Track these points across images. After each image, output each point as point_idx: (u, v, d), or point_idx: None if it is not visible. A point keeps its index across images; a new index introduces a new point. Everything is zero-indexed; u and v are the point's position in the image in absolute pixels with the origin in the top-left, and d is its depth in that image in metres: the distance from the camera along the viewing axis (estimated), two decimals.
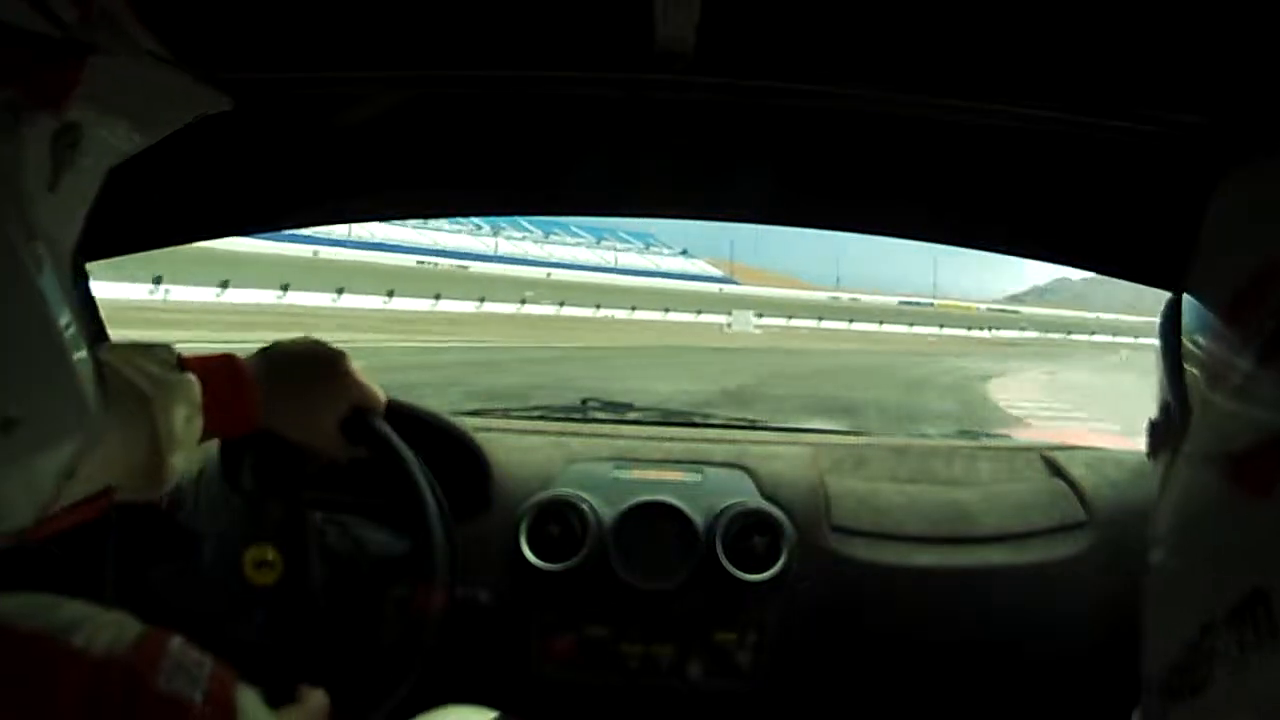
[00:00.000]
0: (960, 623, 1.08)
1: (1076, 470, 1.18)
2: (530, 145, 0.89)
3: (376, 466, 0.80)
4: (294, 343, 0.75)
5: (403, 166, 0.93)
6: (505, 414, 1.39)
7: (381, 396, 0.79)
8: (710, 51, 0.63)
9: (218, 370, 0.67)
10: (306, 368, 0.74)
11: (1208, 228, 0.49)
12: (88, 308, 1.01)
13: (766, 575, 1.03)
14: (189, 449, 0.62)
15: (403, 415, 0.88)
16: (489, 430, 1.17)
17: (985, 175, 0.86)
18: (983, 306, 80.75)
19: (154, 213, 0.93)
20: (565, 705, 1.05)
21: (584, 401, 1.46)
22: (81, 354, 0.44)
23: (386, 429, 0.80)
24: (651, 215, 1.13)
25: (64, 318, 0.42)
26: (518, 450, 1.14)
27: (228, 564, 0.80)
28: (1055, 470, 1.20)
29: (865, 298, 69.22)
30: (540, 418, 1.36)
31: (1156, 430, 0.50)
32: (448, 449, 1.04)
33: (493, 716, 0.85)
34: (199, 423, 0.63)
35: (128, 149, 0.49)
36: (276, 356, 0.73)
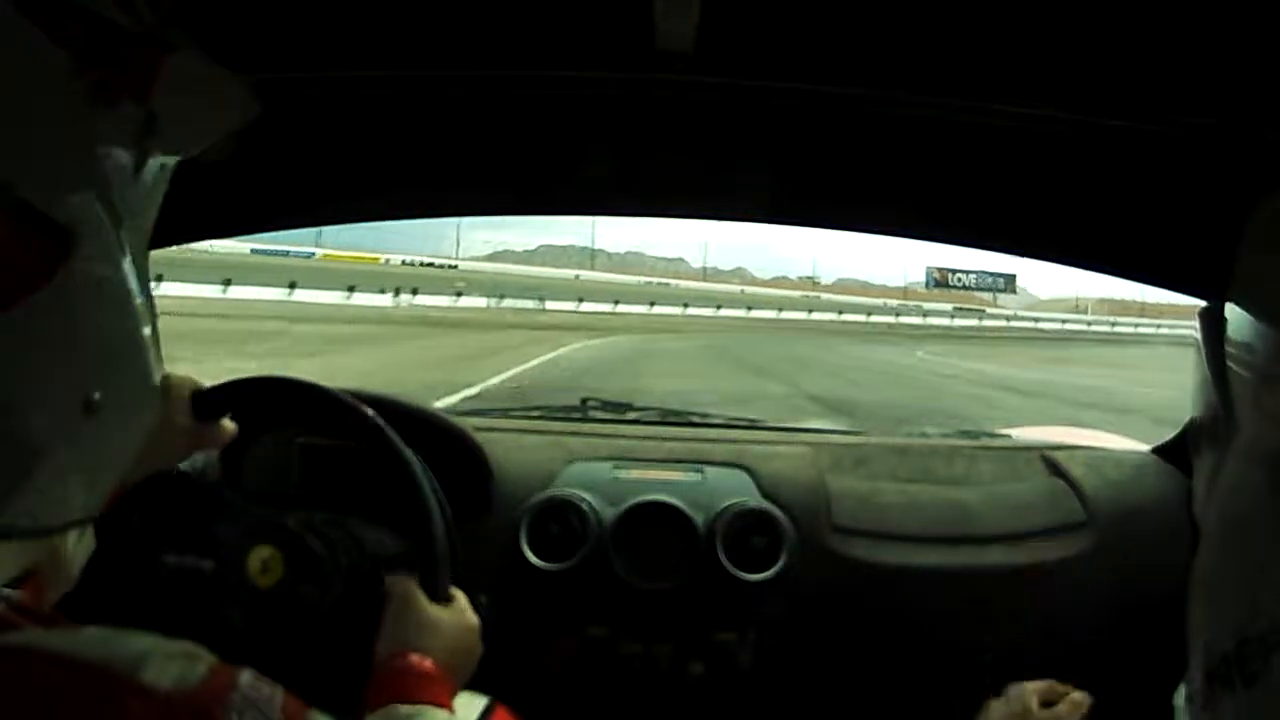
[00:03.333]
0: (960, 622, 1.08)
1: (1076, 470, 1.17)
2: (531, 145, 0.89)
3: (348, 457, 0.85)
4: None
5: (403, 166, 0.93)
6: (505, 414, 1.39)
7: (190, 381, 0.84)
8: (710, 51, 0.63)
9: None
10: None
11: (1251, 236, 0.50)
12: None
13: (766, 575, 1.03)
14: (81, 559, 0.64)
15: (404, 415, 0.88)
16: (489, 430, 1.17)
17: (988, 176, 0.86)
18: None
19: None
20: (565, 705, 1.05)
21: (584, 401, 1.46)
22: (149, 337, 0.45)
23: (229, 380, 0.83)
24: (652, 214, 1.13)
25: (139, 303, 0.44)
26: (518, 450, 1.14)
27: (231, 567, 0.80)
28: (1055, 470, 1.20)
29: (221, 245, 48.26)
30: (540, 418, 1.36)
31: (1200, 429, 0.51)
32: (448, 449, 1.04)
33: (484, 701, 0.85)
34: (89, 536, 0.65)
35: (194, 148, 0.50)
36: None
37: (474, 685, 0.89)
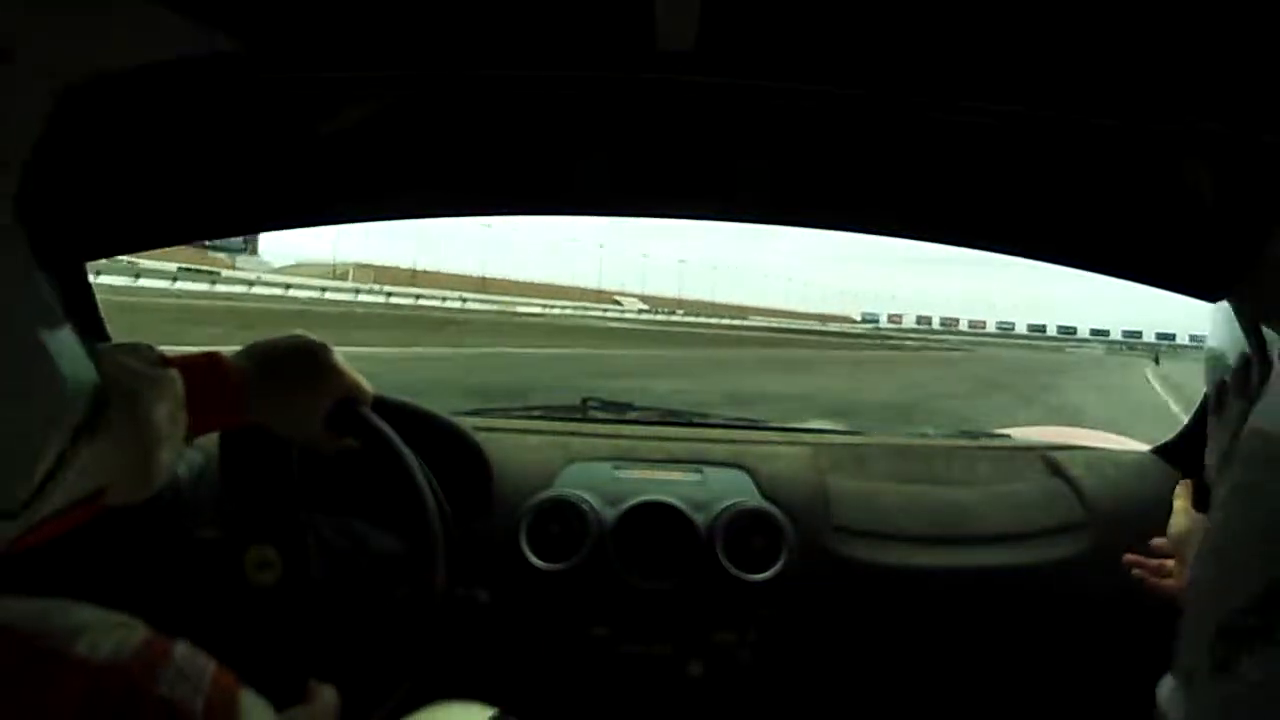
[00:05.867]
0: (960, 623, 1.08)
1: (1076, 470, 1.17)
2: (531, 145, 0.89)
3: (371, 460, 0.79)
4: (279, 338, 0.74)
5: (403, 166, 0.93)
6: (505, 414, 1.38)
7: (368, 387, 0.78)
8: (710, 51, 0.63)
9: (200, 367, 0.65)
10: (291, 361, 0.73)
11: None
12: (86, 306, 1.01)
13: (766, 575, 1.03)
14: (176, 445, 0.60)
15: (402, 414, 0.88)
16: (489, 430, 1.17)
17: (990, 177, 0.86)
18: None
19: (154, 213, 0.93)
20: (565, 705, 1.05)
21: (584, 401, 1.45)
22: (51, 332, 0.42)
23: (374, 418, 0.78)
24: (652, 215, 1.13)
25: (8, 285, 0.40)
26: (518, 450, 1.14)
27: (228, 565, 0.80)
28: (1055, 470, 1.20)
29: None
30: (540, 417, 1.36)
31: (1224, 390, 0.52)
32: (448, 449, 1.04)
33: (490, 714, 0.84)
34: (184, 418, 0.61)
35: (78, 72, 0.45)
36: (260, 351, 0.72)
37: (475, 686, 0.89)
